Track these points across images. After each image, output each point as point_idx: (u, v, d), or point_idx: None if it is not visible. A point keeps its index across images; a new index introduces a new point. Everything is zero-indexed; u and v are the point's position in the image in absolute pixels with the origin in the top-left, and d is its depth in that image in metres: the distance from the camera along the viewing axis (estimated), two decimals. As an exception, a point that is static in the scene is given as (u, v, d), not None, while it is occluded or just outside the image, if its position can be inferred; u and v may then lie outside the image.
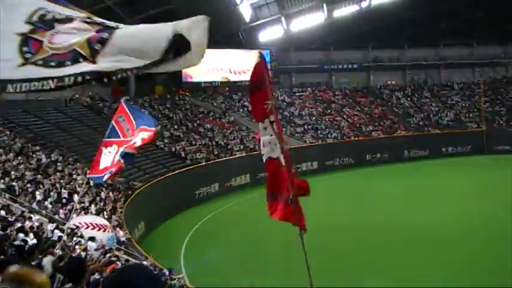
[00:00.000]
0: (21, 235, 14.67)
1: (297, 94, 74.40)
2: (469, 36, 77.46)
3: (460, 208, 37.09)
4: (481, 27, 73.63)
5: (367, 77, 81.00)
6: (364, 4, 71.95)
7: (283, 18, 71.19)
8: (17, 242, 13.53)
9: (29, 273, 3.22)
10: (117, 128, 12.18)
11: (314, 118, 68.63)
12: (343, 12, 72.50)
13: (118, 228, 27.80)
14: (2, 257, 9.56)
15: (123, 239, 27.16)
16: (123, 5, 57.97)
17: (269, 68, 6.66)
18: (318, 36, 73.30)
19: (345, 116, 70.47)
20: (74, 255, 14.45)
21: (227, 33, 68.15)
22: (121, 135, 12.11)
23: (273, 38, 71.68)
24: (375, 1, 72.15)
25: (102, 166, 12.08)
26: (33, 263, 8.48)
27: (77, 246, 17.58)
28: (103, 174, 12.12)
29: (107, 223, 25.07)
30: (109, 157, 11.99)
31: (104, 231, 23.48)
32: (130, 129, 12.22)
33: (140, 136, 12.34)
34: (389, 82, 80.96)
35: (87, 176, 13.31)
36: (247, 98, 68.24)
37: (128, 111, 12.42)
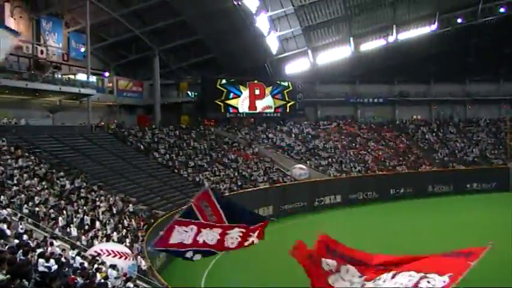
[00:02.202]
0: (41, 260, 14.70)
1: (322, 127, 74.24)
2: (496, 72, 77.42)
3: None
4: (508, 63, 73.57)
5: (393, 111, 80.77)
6: (391, 39, 71.91)
7: (309, 51, 71.34)
8: (41, 268, 13.60)
9: None
10: (196, 211, 12.12)
11: (339, 151, 68.24)
12: (369, 46, 72.57)
13: (139, 257, 27.77)
14: (25, 282, 9.62)
15: (144, 267, 27.10)
16: (150, 35, 58.72)
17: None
18: (344, 70, 73.49)
19: (369, 150, 70.10)
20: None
21: (254, 65, 68.61)
22: (201, 218, 12.06)
23: (299, 70, 71.83)
24: (401, 36, 72.10)
25: (174, 241, 11.98)
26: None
27: (97, 273, 17.57)
28: (177, 250, 12.08)
29: (128, 251, 25.04)
30: (185, 235, 11.92)
31: (126, 259, 23.43)
32: (215, 216, 12.17)
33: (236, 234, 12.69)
34: (414, 117, 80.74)
35: (154, 247, 13.18)
36: (271, 130, 68.51)
37: (213, 199, 12.35)
